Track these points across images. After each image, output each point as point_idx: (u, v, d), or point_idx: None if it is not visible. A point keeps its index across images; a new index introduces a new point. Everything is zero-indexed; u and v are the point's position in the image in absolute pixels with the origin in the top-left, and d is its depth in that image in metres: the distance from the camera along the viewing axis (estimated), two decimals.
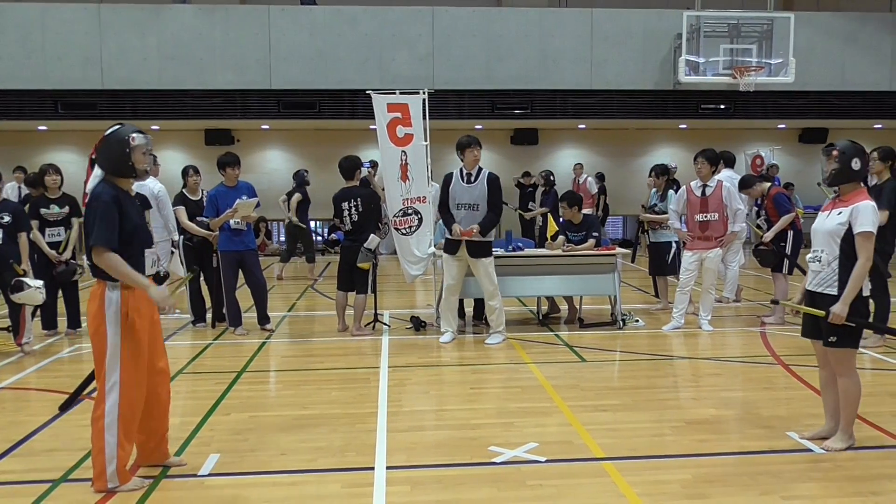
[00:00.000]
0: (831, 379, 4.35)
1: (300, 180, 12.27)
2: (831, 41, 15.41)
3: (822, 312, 4.17)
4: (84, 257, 6.53)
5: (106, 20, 14.22)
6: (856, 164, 4.18)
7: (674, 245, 8.57)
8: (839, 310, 4.08)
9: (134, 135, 3.84)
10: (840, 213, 4.19)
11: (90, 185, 3.86)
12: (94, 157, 3.89)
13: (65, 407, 4.99)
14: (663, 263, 8.67)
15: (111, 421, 3.73)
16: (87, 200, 3.84)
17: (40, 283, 6.65)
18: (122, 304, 3.75)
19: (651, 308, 8.96)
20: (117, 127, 3.90)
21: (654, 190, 8.90)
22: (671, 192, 8.53)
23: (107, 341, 3.74)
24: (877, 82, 15.59)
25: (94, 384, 3.97)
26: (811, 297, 4.32)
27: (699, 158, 7.69)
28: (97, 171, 3.85)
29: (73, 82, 14.22)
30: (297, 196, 12.00)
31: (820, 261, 4.24)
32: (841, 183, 4.25)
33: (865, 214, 4.11)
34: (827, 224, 4.24)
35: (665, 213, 8.45)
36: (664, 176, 8.70)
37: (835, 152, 4.22)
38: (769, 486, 3.79)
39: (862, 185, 4.26)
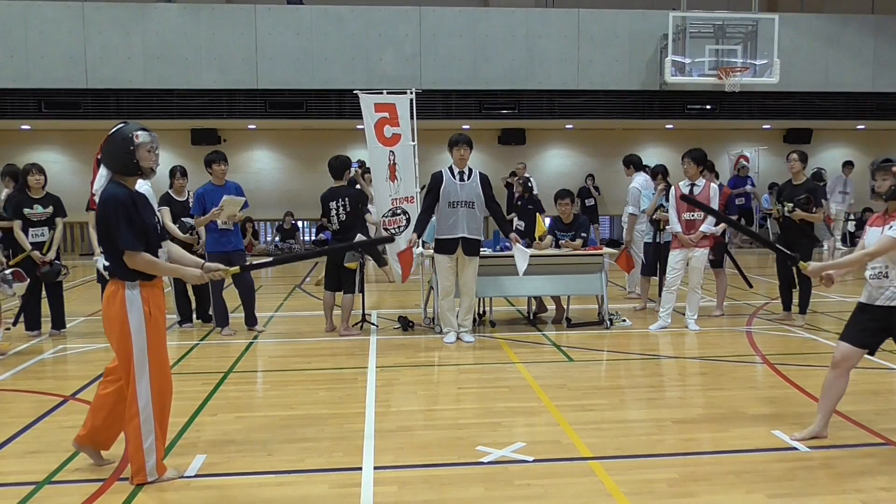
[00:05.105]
0: (836, 382, 4.37)
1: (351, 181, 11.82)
2: (815, 42, 15.58)
3: None
4: (99, 259, 6.36)
5: (90, 18, 14.10)
6: None
7: None
8: None
9: (138, 132, 3.79)
10: (891, 227, 4.10)
11: (97, 185, 3.84)
12: (99, 156, 3.87)
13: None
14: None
15: (147, 417, 3.79)
16: (97, 201, 3.81)
17: None
18: (143, 303, 3.77)
19: (636, 308, 9.00)
20: (121, 125, 3.84)
21: (654, 191, 8.83)
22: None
23: (132, 340, 3.75)
24: (859, 83, 15.77)
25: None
26: (872, 311, 4.23)
27: (685, 158, 7.80)
28: (103, 171, 3.82)
29: (56, 81, 14.11)
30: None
31: (887, 276, 4.14)
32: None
33: None
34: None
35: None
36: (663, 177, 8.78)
37: (895, 168, 4.19)
38: (755, 485, 3.82)
39: None
